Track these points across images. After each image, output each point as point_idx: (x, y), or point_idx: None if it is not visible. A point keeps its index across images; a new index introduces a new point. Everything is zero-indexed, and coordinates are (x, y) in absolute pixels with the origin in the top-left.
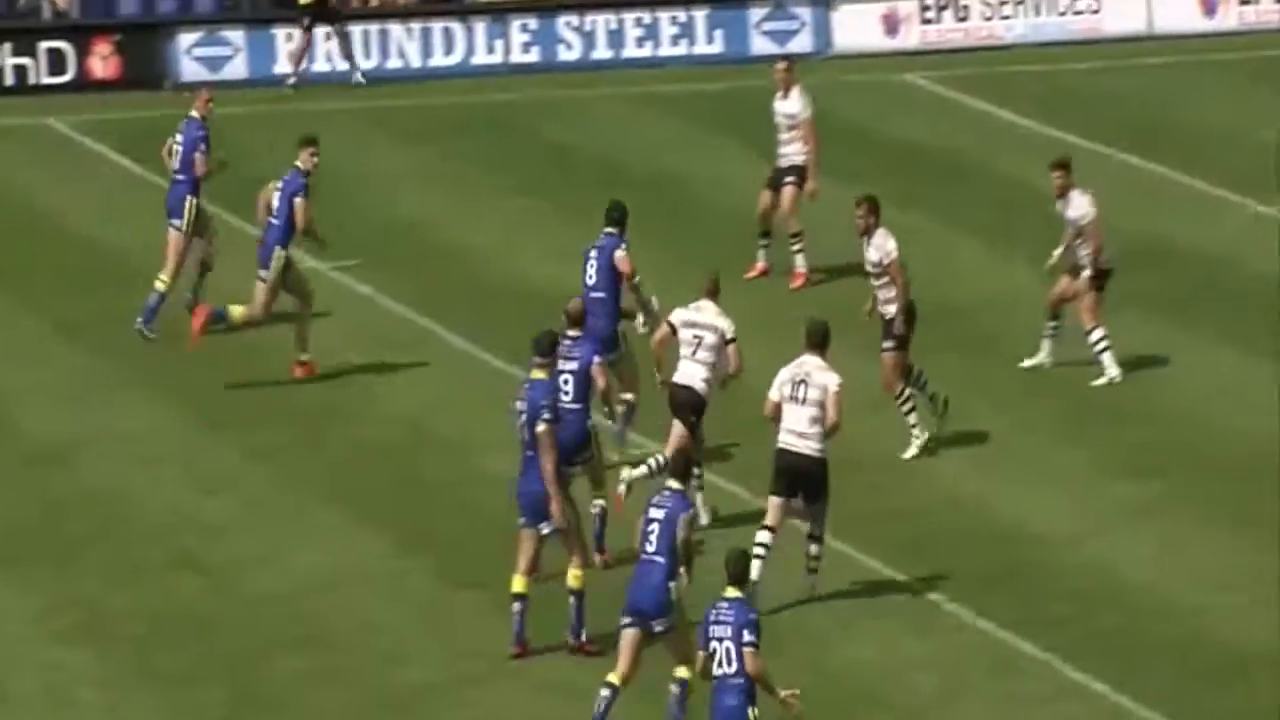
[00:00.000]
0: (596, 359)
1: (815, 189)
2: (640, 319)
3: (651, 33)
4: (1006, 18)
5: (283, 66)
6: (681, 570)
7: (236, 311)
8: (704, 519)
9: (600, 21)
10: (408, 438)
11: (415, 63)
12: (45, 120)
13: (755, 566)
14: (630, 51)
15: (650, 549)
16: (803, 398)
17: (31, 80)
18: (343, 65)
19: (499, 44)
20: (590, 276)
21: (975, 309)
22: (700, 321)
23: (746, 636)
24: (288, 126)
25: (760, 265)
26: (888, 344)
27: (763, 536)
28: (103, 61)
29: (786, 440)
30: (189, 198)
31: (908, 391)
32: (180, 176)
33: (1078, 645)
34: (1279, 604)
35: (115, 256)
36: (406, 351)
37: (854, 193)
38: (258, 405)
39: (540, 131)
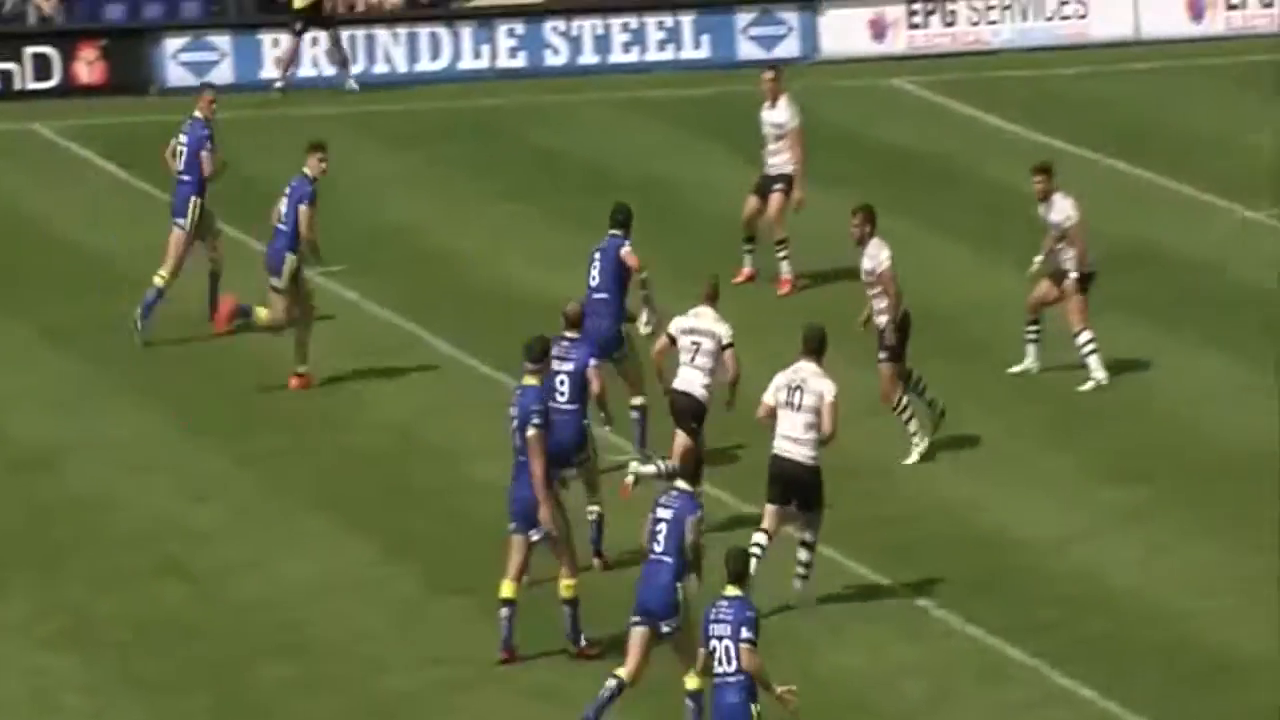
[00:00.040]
0: (593, 361)
1: (802, 199)
2: (643, 318)
3: (638, 38)
4: (993, 23)
5: (269, 71)
6: (692, 575)
7: (261, 314)
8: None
9: (587, 26)
10: (395, 444)
11: (402, 68)
12: (31, 125)
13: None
14: (617, 57)
15: (658, 549)
16: (798, 404)
17: (17, 85)
18: (329, 70)
19: (486, 49)
20: (594, 277)
21: (963, 314)
22: (698, 327)
23: (744, 633)
24: (274, 132)
25: (747, 270)
26: (882, 355)
27: (758, 538)
28: (88, 67)
29: (781, 447)
30: (194, 198)
31: (906, 399)
32: (185, 177)
33: (1065, 650)
34: (1266, 608)
35: (101, 262)
36: (393, 357)
37: (841, 197)
38: (245, 412)
39: (527, 137)
